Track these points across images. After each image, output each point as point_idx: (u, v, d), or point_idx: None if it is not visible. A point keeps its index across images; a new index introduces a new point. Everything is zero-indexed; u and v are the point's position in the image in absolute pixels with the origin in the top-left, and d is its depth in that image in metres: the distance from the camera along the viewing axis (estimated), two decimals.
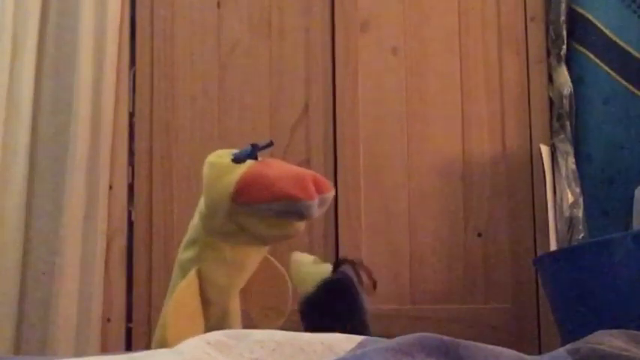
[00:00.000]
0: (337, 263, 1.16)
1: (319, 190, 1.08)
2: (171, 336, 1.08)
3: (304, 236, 1.62)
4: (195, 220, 1.18)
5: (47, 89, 1.71)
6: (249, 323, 1.29)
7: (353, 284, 1.12)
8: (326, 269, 1.15)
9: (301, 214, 1.08)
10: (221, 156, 1.14)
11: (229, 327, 1.18)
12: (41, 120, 1.70)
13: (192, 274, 1.14)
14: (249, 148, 1.13)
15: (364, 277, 1.16)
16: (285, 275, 1.29)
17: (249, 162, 1.12)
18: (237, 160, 1.11)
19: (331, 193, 1.13)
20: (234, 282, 1.19)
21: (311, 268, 1.17)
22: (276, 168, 1.11)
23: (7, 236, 1.61)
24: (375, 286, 1.19)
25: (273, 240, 1.17)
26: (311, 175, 1.10)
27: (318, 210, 1.09)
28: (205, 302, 1.16)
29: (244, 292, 1.26)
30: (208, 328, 1.15)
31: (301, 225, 1.13)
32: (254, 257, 1.19)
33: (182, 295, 1.13)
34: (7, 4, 1.67)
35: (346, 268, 1.14)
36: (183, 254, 1.19)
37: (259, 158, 1.15)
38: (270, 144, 1.17)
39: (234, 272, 1.17)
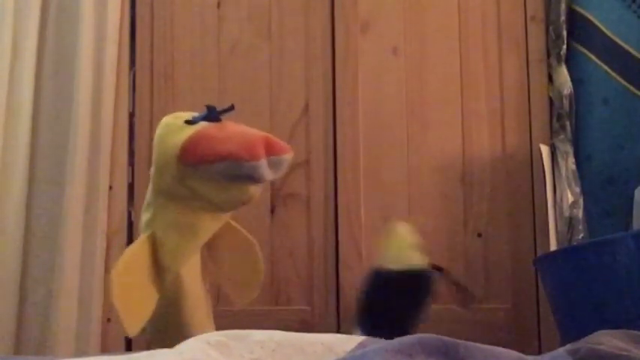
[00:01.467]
0: (432, 266, 1.17)
1: (271, 151, 1.04)
2: (117, 298, 1.03)
3: (304, 235, 1.63)
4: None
5: (47, 90, 1.71)
6: (221, 297, 1.27)
7: (432, 286, 1.13)
8: (416, 258, 1.13)
9: (248, 176, 1.03)
10: (177, 117, 1.11)
11: (183, 294, 1.15)
12: (41, 121, 1.70)
13: (142, 237, 1.11)
14: (205, 111, 1.10)
15: (456, 288, 1.22)
16: (256, 247, 1.25)
17: (203, 124, 1.08)
18: (192, 122, 1.08)
19: (287, 156, 1.08)
20: (186, 246, 1.13)
21: (404, 250, 1.14)
22: (227, 130, 1.06)
23: (7, 236, 1.61)
24: (472, 299, 1.19)
25: (227, 206, 1.12)
26: (262, 136, 1.05)
27: (270, 172, 1.05)
28: (160, 266, 1.11)
29: (215, 266, 1.23)
30: (162, 294, 1.12)
31: (255, 190, 1.09)
32: (208, 223, 1.14)
33: (128, 258, 1.08)
34: (7, 4, 1.67)
35: (435, 273, 1.16)
36: (142, 217, 1.15)
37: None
38: (231, 108, 1.12)
39: (186, 236, 1.12)
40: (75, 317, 1.61)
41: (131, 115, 1.76)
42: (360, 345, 0.67)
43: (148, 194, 1.16)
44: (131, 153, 1.74)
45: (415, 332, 1.09)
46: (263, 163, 1.02)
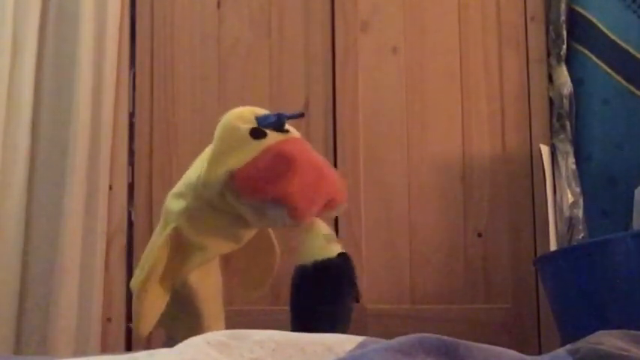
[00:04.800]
0: (340, 254, 1.11)
1: (329, 206, 1.04)
2: (141, 304, 1.04)
3: None
4: (191, 175, 1.11)
5: (47, 89, 1.71)
6: (228, 289, 1.27)
7: (348, 273, 1.09)
8: (331, 249, 1.09)
9: (293, 220, 1.02)
10: (242, 117, 1.05)
11: (187, 295, 1.14)
12: (41, 120, 1.70)
13: (169, 229, 1.08)
14: (274, 116, 1.04)
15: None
16: (276, 248, 1.24)
17: (269, 139, 1.03)
18: (259, 131, 1.02)
19: (342, 206, 1.08)
20: (218, 251, 1.13)
21: (317, 242, 1.10)
22: (297, 165, 1.01)
23: (7, 236, 1.61)
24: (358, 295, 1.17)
25: (260, 227, 1.13)
26: (328, 191, 1.03)
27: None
28: (180, 259, 1.10)
29: (228, 257, 1.22)
30: (179, 286, 1.11)
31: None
32: (244, 232, 1.13)
33: (155, 261, 1.08)
34: (7, 4, 1.67)
35: (346, 260, 1.10)
36: (171, 203, 1.12)
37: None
38: (301, 115, 1.08)
39: (223, 242, 1.12)
40: (75, 317, 1.61)
41: (131, 115, 1.76)
42: (360, 345, 0.67)
43: (184, 182, 1.12)
44: (131, 153, 1.75)
45: (345, 325, 1.08)
46: (312, 217, 1.03)
